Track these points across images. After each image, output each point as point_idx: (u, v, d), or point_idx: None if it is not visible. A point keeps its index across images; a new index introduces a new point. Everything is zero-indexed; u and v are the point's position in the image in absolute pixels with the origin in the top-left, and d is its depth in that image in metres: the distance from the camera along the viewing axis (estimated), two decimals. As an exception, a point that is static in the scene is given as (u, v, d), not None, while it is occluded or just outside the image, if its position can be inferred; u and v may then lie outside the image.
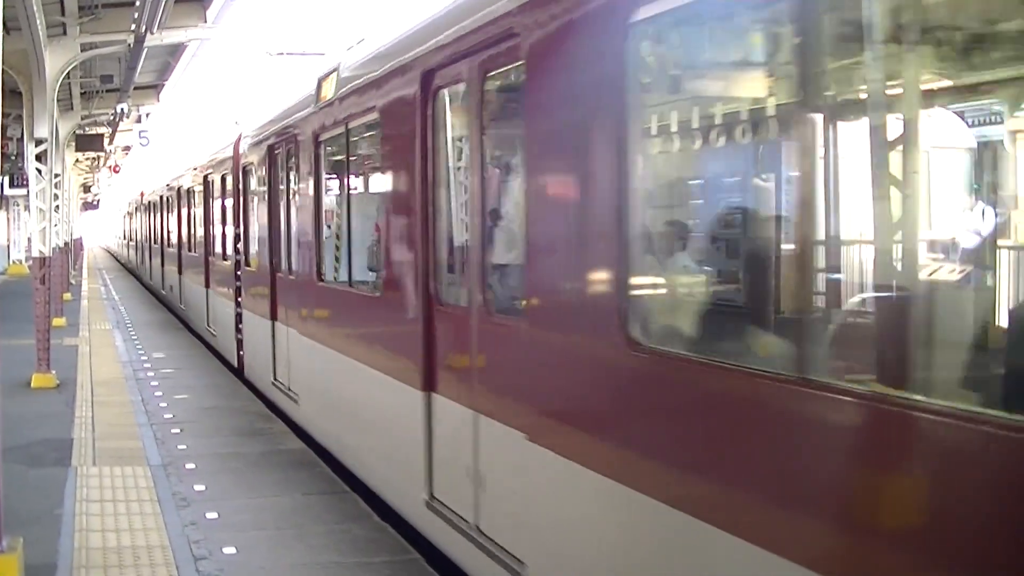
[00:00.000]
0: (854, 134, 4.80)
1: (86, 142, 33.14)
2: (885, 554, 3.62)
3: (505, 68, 6.48)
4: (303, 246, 11.61)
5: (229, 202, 17.60)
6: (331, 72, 10.46)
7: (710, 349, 4.91)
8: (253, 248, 15.12)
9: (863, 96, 4.71)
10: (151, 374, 17.19)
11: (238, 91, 56.64)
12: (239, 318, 16.18)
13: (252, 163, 14.94)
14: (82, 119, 29.27)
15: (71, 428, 12.89)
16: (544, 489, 5.97)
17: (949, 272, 5.28)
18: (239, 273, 16.21)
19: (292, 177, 12.47)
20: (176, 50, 23.35)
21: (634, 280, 5.23)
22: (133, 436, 12.35)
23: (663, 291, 5.69)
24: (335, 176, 11.15)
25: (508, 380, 6.39)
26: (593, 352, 5.40)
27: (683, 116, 5.69)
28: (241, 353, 16.13)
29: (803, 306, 4.36)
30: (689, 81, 5.65)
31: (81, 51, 19.33)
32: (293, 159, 12.23)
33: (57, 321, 22.72)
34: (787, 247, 4.59)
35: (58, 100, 20.46)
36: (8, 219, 51.30)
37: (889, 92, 4.63)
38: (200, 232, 21.71)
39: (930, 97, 4.86)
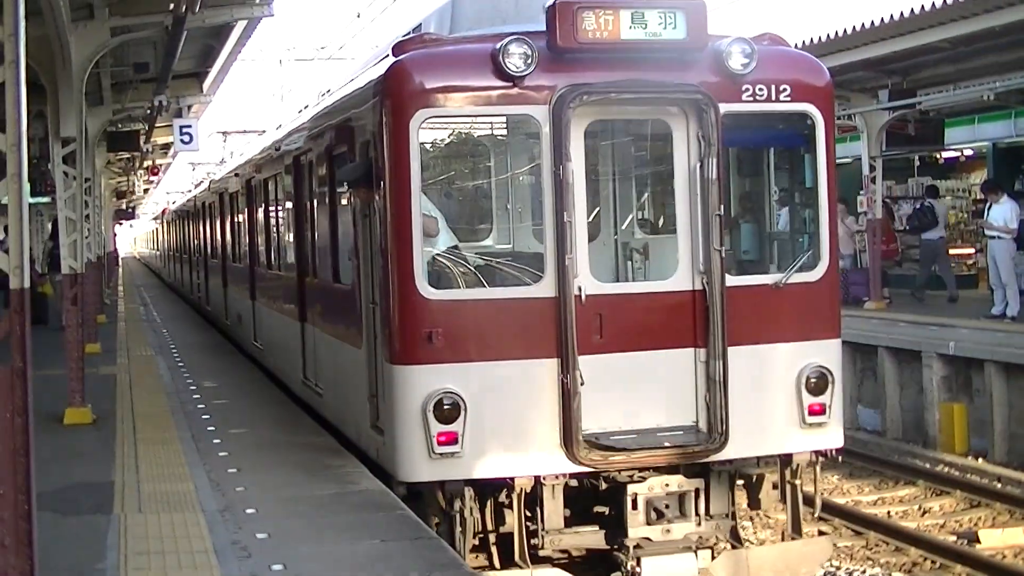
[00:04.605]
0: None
1: (119, 140, 33.35)
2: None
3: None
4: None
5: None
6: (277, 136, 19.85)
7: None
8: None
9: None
10: (201, 406, 17.39)
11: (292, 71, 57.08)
12: None
13: None
14: (114, 114, 29.46)
15: (111, 470, 13.07)
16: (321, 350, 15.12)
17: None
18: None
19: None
20: (220, 32, 23.43)
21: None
22: (183, 477, 12.49)
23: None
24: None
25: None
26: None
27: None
28: None
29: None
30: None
31: (112, 36, 19.41)
32: None
33: (91, 347, 23.04)
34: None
35: (86, 93, 20.62)
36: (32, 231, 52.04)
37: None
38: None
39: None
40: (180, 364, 22.99)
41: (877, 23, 21.78)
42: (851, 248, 29.55)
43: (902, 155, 32.35)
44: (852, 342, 22.68)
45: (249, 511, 10.97)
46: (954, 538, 15.36)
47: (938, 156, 34.08)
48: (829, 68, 24.07)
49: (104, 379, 20.37)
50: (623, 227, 13.34)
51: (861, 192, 28.41)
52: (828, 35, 23.15)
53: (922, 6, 20.50)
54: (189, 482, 12.25)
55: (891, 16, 21.34)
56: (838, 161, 34.95)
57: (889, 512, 16.74)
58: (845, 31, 22.70)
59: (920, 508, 16.92)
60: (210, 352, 25.48)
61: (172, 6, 18.12)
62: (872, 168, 27.42)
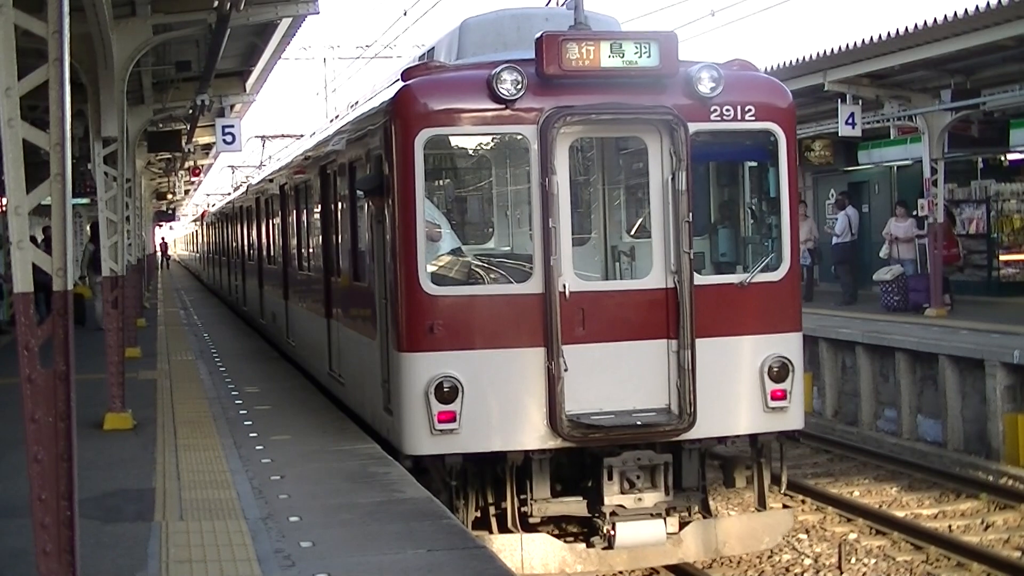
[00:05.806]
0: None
1: (160, 140, 33.47)
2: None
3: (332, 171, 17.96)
4: None
5: None
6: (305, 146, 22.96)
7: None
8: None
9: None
10: (243, 412, 17.49)
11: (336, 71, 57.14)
12: None
13: None
14: (155, 113, 29.54)
15: (152, 476, 13.16)
16: (343, 343, 17.11)
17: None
18: None
19: None
20: (264, 30, 23.48)
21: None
22: (226, 485, 12.58)
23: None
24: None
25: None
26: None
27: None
28: None
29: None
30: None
31: (154, 34, 19.42)
32: None
33: (131, 351, 23.15)
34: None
35: (127, 92, 20.64)
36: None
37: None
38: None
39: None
40: (221, 369, 23.15)
41: (940, 20, 21.65)
42: (911, 253, 29.23)
43: (965, 157, 32.13)
44: (912, 350, 22.57)
45: (293, 519, 11.02)
46: (1019, 554, 15.26)
47: (1003, 158, 33.76)
48: (889, 68, 25.36)
49: (144, 384, 20.50)
50: (611, 231, 14.83)
51: (922, 195, 28.16)
52: (889, 33, 23.03)
53: (987, 3, 20.36)
54: (231, 489, 12.33)
55: (954, 13, 21.19)
56: (899, 163, 35.67)
57: (950, 526, 16.63)
58: (906, 29, 22.55)
59: (983, 522, 16.80)
60: (251, 357, 25.61)
61: (216, 3, 18.08)
62: (933, 171, 27.04)
